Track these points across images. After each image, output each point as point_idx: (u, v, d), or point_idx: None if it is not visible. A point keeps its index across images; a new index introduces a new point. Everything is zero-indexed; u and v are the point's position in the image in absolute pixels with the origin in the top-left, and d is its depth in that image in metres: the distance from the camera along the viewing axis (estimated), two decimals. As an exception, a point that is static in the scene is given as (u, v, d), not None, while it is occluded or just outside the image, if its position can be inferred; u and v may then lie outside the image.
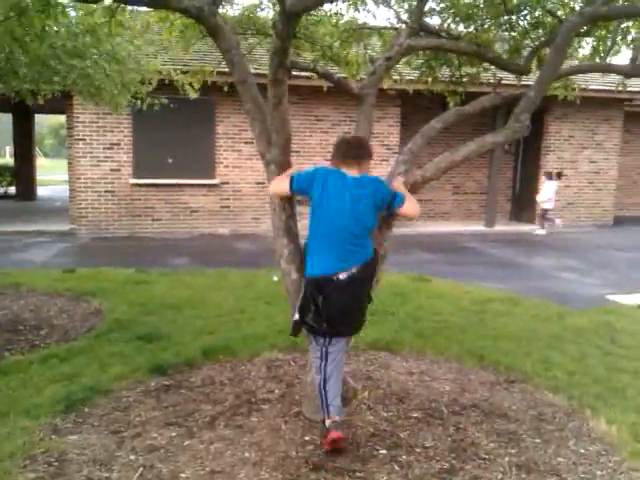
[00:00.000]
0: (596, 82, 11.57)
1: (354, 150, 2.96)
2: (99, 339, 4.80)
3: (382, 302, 6.11)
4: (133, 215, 11.20)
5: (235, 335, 4.85)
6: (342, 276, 2.83)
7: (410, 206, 2.93)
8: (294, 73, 3.98)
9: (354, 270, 2.84)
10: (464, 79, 4.31)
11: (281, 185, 2.93)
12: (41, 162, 47.71)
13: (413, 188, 2.74)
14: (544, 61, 4.07)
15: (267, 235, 11.57)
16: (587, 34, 3.75)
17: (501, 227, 12.97)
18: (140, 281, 7.05)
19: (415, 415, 3.38)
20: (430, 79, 4.40)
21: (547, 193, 12.32)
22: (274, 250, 3.03)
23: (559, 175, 12.51)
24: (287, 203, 2.81)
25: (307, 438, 3.09)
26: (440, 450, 2.99)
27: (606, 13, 2.92)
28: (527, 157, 13.88)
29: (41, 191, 20.80)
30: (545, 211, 12.41)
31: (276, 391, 3.71)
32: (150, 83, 6.14)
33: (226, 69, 6.22)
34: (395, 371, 4.10)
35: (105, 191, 11.01)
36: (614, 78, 10.58)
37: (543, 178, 12.67)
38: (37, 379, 3.85)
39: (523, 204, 13.98)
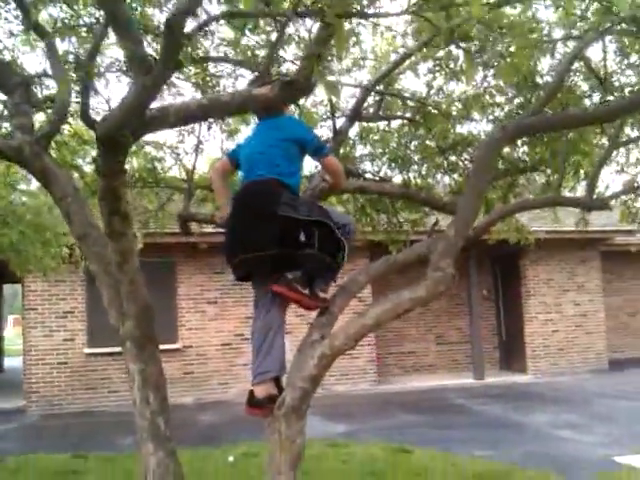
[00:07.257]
0: (566, 223, 11.39)
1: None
2: None
3: (349, 486, 5.16)
4: (88, 388, 10.24)
5: None
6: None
7: (335, 162, 2.76)
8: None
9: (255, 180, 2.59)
10: (404, 225, 3.85)
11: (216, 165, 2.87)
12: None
13: (321, 364, 2.06)
14: (489, 203, 3.64)
15: (235, 402, 10.55)
16: (534, 169, 3.38)
17: (491, 378, 12.04)
18: (72, 471, 6.11)
19: None
20: (370, 227, 3.93)
21: None
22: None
23: None
24: (152, 393, 2.06)
25: None
26: None
27: (532, 125, 2.51)
28: (508, 302, 13.32)
29: (17, 362, 19.68)
30: None
31: None
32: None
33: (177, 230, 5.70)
34: None
35: (58, 363, 10.16)
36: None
37: None
38: None
39: (512, 352, 13.16)
